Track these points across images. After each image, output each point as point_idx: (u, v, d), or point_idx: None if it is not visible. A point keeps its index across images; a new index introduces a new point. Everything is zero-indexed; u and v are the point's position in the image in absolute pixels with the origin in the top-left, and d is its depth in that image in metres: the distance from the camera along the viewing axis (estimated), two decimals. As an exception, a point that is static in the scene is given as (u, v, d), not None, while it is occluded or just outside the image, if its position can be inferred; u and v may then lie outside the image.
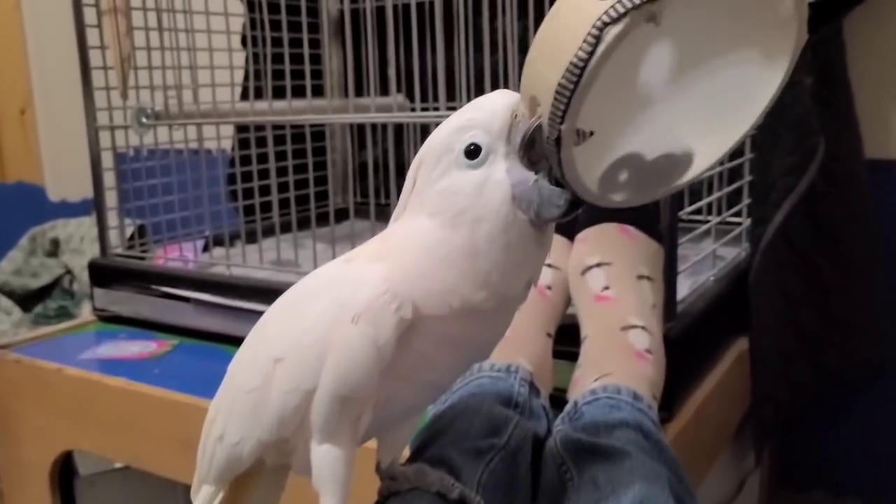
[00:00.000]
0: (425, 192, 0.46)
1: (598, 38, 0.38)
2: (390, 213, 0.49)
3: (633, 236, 0.81)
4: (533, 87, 0.42)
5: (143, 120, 1.09)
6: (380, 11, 1.09)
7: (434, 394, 0.54)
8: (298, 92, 1.12)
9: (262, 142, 1.18)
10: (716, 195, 1.00)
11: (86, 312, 1.38)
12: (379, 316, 0.44)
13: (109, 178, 1.14)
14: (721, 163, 0.98)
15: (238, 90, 1.30)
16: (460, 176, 0.44)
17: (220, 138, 1.15)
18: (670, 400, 0.76)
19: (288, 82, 1.12)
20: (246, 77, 1.32)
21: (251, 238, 1.12)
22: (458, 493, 0.52)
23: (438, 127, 0.46)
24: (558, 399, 0.72)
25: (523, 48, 1.02)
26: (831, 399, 1.19)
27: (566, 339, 0.77)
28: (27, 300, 1.78)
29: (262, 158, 1.16)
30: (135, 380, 0.92)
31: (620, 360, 0.69)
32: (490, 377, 0.67)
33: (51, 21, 1.99)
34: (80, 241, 1.80)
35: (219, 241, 1.16)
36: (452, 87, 0.95)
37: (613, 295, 0.75)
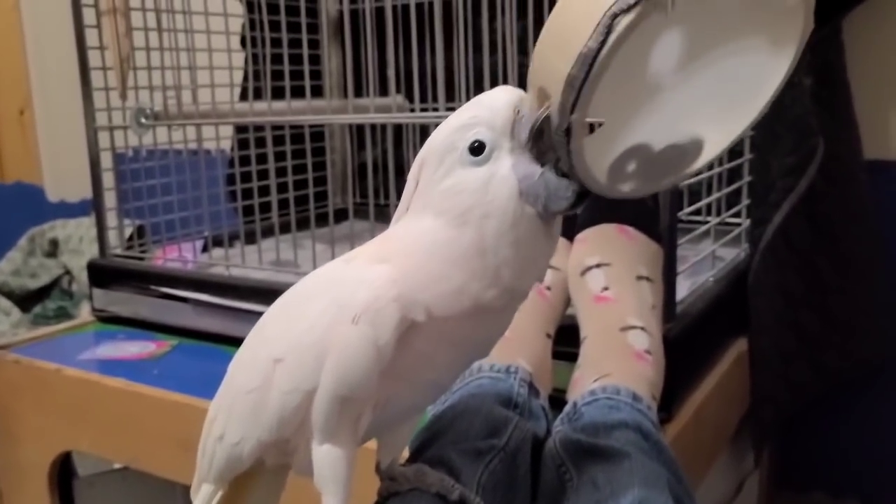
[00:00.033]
0: (429, 192, 0.45)
1: (609, 28, 0.37)
2: (390, 213, 0.49)
3: (633, 237, 0.81)
4: (542, 77, 0.42)
5: (143, 120, 1.09)
6: (379, 12, 1.09)
7: (434, 393, 0.54)
8: (297, 92, 1.12)
9: (261, 142, 1.18)
10: (715, 196, 1.00)
11: (85, 313, 1.38)
12: (378, 316, 0.44)
13: (108, 179, 1.14)
14: (721, 162, 0.99)
15: (237, 91, 1.30)
16: (465, 174, 0.44)
17: (220, 139, 1.15)
18: (669, 401, 0.76)
19: (287, 83, 1.12)
20: (245, 78, 1.32)
21: (250, 238, 1.12)
22: (458, 494, 0.52)
23: (440, 126, 0.46)
24: (558, 400, 0.72)
25: (522, 49, 1.03)
26: (831, 399, 1.19)
27: (566, 340, 0.77)
28: (26, 300, 1.78)
29: (262, 159, 1.16)
30: (134, 380, 0.92)
31: (620, 360, 0.69)
32: (490, 378, 0.67)
33: (50, 21, 1.99)
34: (78, 242, 1.80)
35: (218, 242, 1.16)
36: (452, 87, 0.95)
37: (613, 296, 0.75)
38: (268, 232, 1.14)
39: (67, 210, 2.01)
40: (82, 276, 1.69)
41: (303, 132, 1.24)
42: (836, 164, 1.03)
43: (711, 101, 0.44)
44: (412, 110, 1.18)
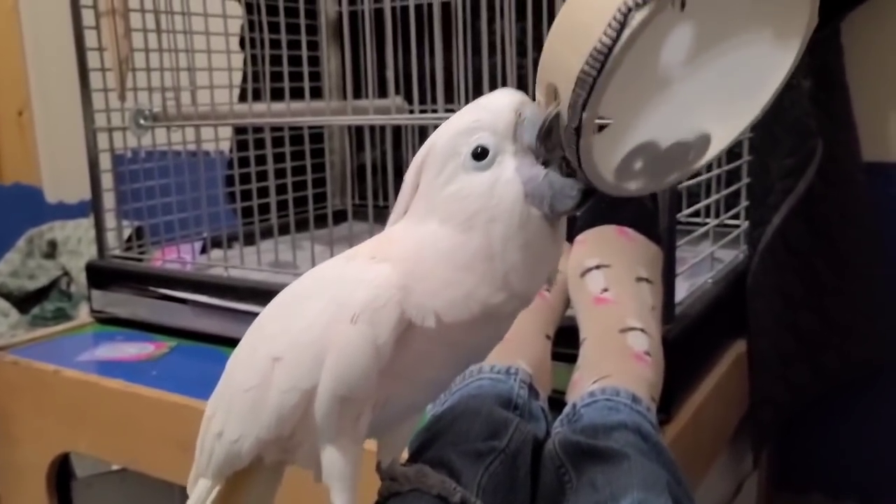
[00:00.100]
0: (432, 198, 0.45)
1: (623, 23, 0.37)
2: (389, 215, 0.49)
3: (633, 238, 0.81)
4: (552, 74, 0.41)
5: (142, 121, 1.09)
6: (378, 13, 1.09)
7: (434, 392, 0.54)
8: (297, 94, 1.12)
9: (260, 143, 1.18)
10: (714, 197, 1.01)
11: (83, 314, 1.38)
12: (377, 315, 0.44)
13: (107, 180, 1.14)
14: (720, 163, 0.99)
15: (236, 92, 1.30)
16: (469, 179, 0.44)
17: (219, 140, 1.15)
18: (669, 402, 0.76)
19: (286, 84, 1.12)
20: (244, 79, 1.32)
21: (249, 240, 1.11)
22: (459, 496, 0.52)
23: (440, 129, 0.46)
24: (557, 401, 0.72)
25: (521, 50, 1.03)
26: (830, 401, 1.19)
27: (565, 341, 0.77)
28: (24, 302, 1.78)
29: (261, 160, 1.16)
30: (132, 381, 0.92)
31: (619, 362, 0.69)
32: (490, 379, 0.67)
33: (49, 22, 1.99)
34: (77, 243, 1.80)
35: (217, 243, 1.16)
36: (451, 89, 0.95)
37: (612, 297, 0.75)
38: (266, 233, 1.14)
39: (66, 211, 2.00)
40: (81, 278, 1.68)
41: (302, 133, 1.24)
42: (835, 165, 1.03)
43: (716, 95, 0.44)
44: (411, 112, 1.18)
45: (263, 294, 0.95)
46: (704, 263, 0.96)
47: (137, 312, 1.10)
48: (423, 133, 1.16)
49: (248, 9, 1.23)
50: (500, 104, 0.44)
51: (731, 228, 1.05)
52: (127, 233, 1.21)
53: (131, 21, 1.05)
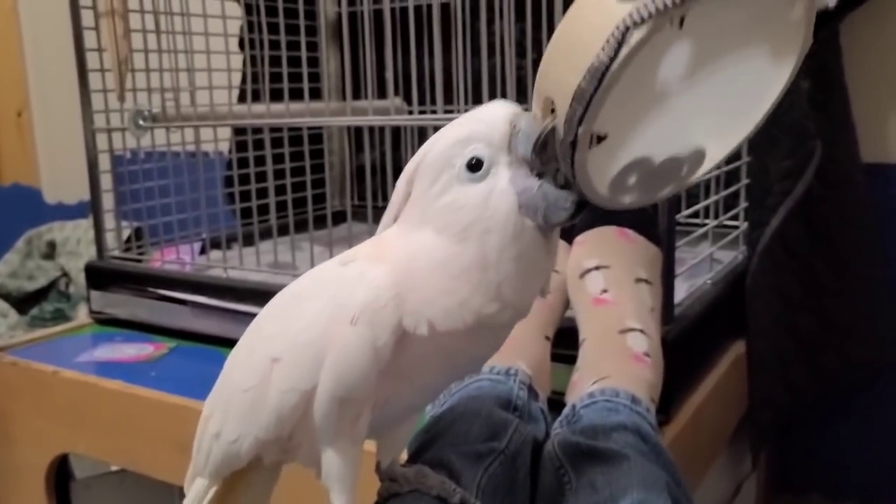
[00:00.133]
0: (426, 207, 0.45)
1: (621, 41, 0.37)
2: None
3: (632, 239, 0.81)
4: (549, 88, 0.41)
5: (141, 122, 1.09)
6: (377, 14, 1.09)
7: (432, 394, 0.54)
8: (296, 95, 1.12)
9: (259, 144, 1.18)
10: (713, 199, 1.01)
11: (82, 315, 1.38)
12: (377, 317, 0.44)
13: (106, 181, 1.14)
14: (719, 166, 0.99)
15: (235, 93, 1.30)
16: (464, 190, 0.44)
17: (218, 141, 1.15)
18: (668, 403, 0.76)
19: (285, 85, 1.12)
20: (243, 80, 1.32)
21: (248, 241, 1.11)
22: (458, 497, 0.52)
23: (434, 139, 0.46)
24: (556, 402, 0.72)
25: (520, 52, 1.03)
26: (829, 402, 1.19)
27: (564, 342, 0.77)
28: (23, 303, 1.77)
29: (260, 161, 1.16)
30: (131, 382, 0.92)
31: (618, 363, 0.69)
32: (489, 380, 0.67)
33: (48, 23, 1.99)
34: (76, 244, 1.80)
35: (216, 244, 1.16)
36: (450, 90, 0.95)
37: (612, 298, 0.75)
38: (266, 234, 1.14)
39: (65, 212, 2.00)
40: (80, 278, 1.68)
41: (301, 134, 1.24)
42: (834, 167, 1.03)
43: (712, 111, 0.44)
44: (410, 113, 1.18)
45: (262, 295, 0.94)
46: (703, 264, 0.96)
47: (136, 313, 1.10)
48: (422, 134, 1.16)
49: (248, 10, 1.23)
50: (494, 116, 0.45)
51: (730, 229, 1.05)
52: (126, 234, 1.21)
53: (130, 22, 1.05)
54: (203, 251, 1.19)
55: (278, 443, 0.49)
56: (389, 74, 1.01)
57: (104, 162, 1.13)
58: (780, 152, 1.01)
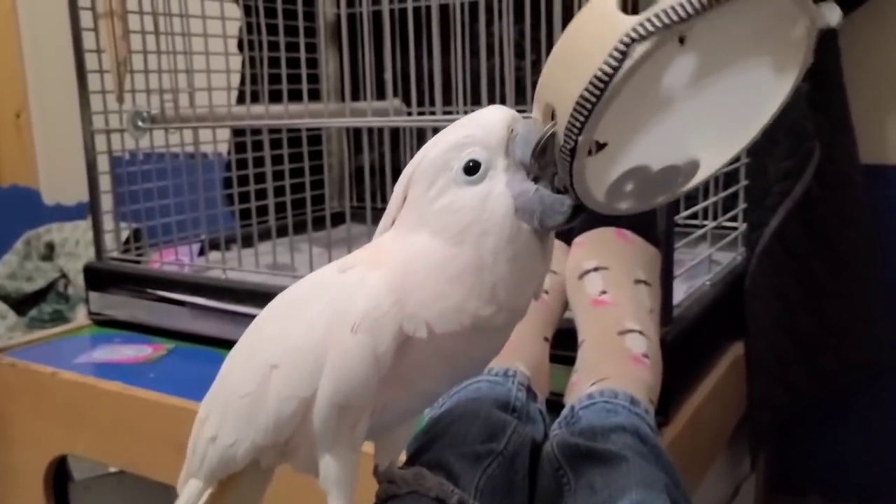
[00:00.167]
0: (423, 210, 0.45)
1: (624, 54, 0.37)
2: (385, 217, 0.49)
3: (631, 241, 0.81)
4: (550, 95, 0.42)
5: (140, 123, 1.09)
6: (376, 16, 1.09)
7: (433, 398, 0.54)
8: (295, 96, 1.12)
9: (258, 145, 1.18)
10: (712, 200, 1.01)
11: (81, 316, 1.37)
12: (378, 325, 0.44)
13: (105, 182, 1.14)
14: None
15: (234, 94, 1.30)
16: (461, 192, 0.44)
17: (217, 142, 1.15)
18: (667, 404, 0.76)
19: (284, 86, 1.12)
20: (242, 81, 1.31)
21: (247, 242, 1.11)
22: (456, 499, 0.52)
23: (431, 143, 0.46)
24: (555, 403, 0.72)
25: (519, 53, 1.03)
26: (827, 403, 1.19)
27: (563, 344, 0.77)
28: (22, 304, 1.77)
29: (259, 162, 1.16)
30: (130, 384, 0.92)
31: (617, 364, 0.69)
32: (488, 381, 0.67)
33: (47, 24, 1.99)
34: (75, 245, 1.80)
35: (215, 245, 1.15)
36: (449, 91, 0.95)
37: (611, 299, 0.75)
38: (265, 235, 1.14)
39: (63, 213, 2.00)
40: (78, 280, 1.68)
41: (300, 136, 1.24)
42: (833, 168, 1.03)
43: (710, 122, 0.45)
44: (409, 114, 1.18)
45: (261, 296, 0.95)
46: (702, 266, 0.96)
47: (135, 314, 1.10)
48: (420, 135, 1.16)
49: (247, 11, 1.23)
50: (492, 120, 0.45)
51: (728, 231, 1.05)
52: (125, 235, 1.21)
53: (129, 23, 1.05)
54: (202, 252, 1.19)
55: (276, 447, 0.49)
56: (388, 75, 1.01)
57: (103, 163, 1.13)
58: (779, 153, 1.01)
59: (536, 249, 0.45)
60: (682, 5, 0.37)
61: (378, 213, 0.51)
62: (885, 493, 1.20)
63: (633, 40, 0.37)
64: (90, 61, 1.10)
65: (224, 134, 1.30)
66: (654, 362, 0.72)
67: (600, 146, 0.42)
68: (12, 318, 1.71)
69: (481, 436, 0.58)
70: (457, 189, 0.44)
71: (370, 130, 1.38)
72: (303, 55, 1.10)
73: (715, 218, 1.02)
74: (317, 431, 0.46)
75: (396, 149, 1.32)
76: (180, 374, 0.96)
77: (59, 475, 1.06)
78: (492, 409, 0.62)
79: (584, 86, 0.39)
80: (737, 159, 1.04)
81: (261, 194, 1.12)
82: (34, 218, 1.95)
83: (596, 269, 0.78)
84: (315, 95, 1.20)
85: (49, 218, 1.93)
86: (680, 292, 0.88)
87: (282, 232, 1.09)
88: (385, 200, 1.26)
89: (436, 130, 0.48)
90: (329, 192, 1.35)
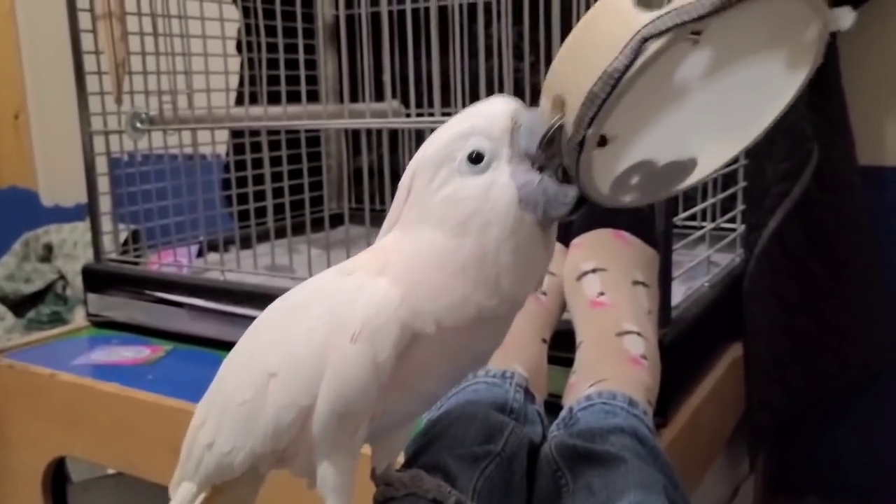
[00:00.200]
0: (425, 203, 0.45)
1: (638, 51, 0.37)
2: (385, 218, 0.49)
3: (629, 242, 0.81)
4: (560, 87, 0.42)
5: (138, 125, 1.09)
6: (375, 17, 1.09)
7: (432, 401, 0.54)
8: (293, 97, 1.12)
9: (257, 147, 1.18)
10: (710, 201, 1.01)
11: (79, 318, 1.37)
12: (378, 333, 0.44)
13: (103, 183, 1.14)
14: (717, 169, 0.99)
15: (233, 95, 1.30)
16: (465, 182, 0.44)
17: (215, 143, 1.15)
18: (665, 406, 0.76)
19: (283, 88, 1.12)
20: (241, 82, 1.31)
21: (246, 243, 1.11)
22: (454, 500, 0.52)
23: (433, 136, 0.46)
24: (553, 405, 0.72)
25: (518, 54, 1.03)
26: (826, 404, 1.19)
27: (561, 345, 0.77)
28: (20, 305, 1.77)
29: (257, 163, 1.16)
30: (128, 385, 0.92)
31: (615, 365, 0.69)
32: (485, 383, 0.67)
33: (45, 25, 1.99)
34: (73, 246, 1.80)
35: (213, 247, 1.15)
36: (448, 92, 0.95)
37: (609, 300, 0.75)
38: (263, 237, 1.14)
39: (62, 214, 2.00)
40: (77, 281, 1.69)
41: (298, 137, 1.24)
42: (831, 169, 1.03)
43: (715, 120, 0.45)
44: (408, 115, 1.18)
45: (260, 298, 0.95)
46: (701, 267, 0.96)
47: (133, 316, 1.10)
48: (419, 136, 1.16)
49: (245, 12, 1.23)
50: (495, 110, 0.45)
51: (727, 232, 1.05)
52: (123, 236, 1.21)
53: (128, 24, 1.05)
54: (200, 254, 1.19)
55: (273, 454, 0.48)
56: (387, 77, 1.01)
57: (101, 164, 1.13)
58: (778, 155, 1.01)
59: (539, 240, 0.45)
60: (696, 4, 0.37)
61: (377, 215, 0.51)
62: (884, 493, 1.20)
63: (647, 38, 0.37)
64: (89, 63, 1.10)
65: (222, 135, 1.30)
66: (653, 364, 0.72)
67: (609, 139, 0.42)
68: (10, 319, 1.71)
69: (479, 437, 0.58)
70: (460, 179, 0.44)
71: (369, 132, 1.38)
72: (301, 57, 1.09)
73: (713, 219, 1.02)
74: (316, 438, 0.46)
75: (395, 150, 1.32)
76: (178, 375, 0.95)
77: (57, 476, 1.05)
78: (490, 410, 0.62)
79: (595, 80, 0.39)
80: (735, 161, 1.04)
81: (259, 196, 1.12)
82: (32, 219, 1.95)
83: (594, 271, 0.78)
84: (314, 97, 1.20)
85: (47, 219, 1.93)
86: (678, 294, 0.88)
87: (280, 233, 1.09)
88: (384, 202, 1.27)
89: (432, 134, 0.47)
90: (327, 194, 1.36)
